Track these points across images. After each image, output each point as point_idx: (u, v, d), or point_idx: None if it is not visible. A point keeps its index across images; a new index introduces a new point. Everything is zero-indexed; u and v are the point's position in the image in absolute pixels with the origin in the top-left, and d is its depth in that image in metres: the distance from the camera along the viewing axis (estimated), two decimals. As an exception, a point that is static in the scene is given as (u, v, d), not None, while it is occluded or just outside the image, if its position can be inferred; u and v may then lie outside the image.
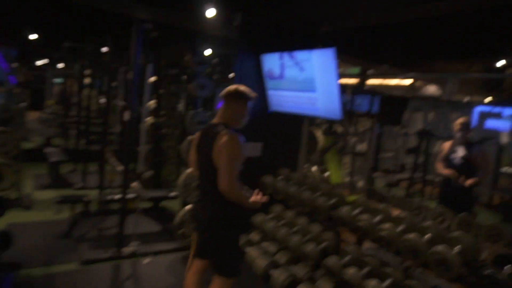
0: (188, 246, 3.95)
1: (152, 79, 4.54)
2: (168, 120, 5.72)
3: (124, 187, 3.55)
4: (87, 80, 7.13)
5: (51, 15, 4.89)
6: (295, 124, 4.39)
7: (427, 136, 6.50)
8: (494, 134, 5.97)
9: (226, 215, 2.30)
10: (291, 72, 3.52)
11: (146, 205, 4.85)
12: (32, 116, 12.73)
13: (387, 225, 2.56)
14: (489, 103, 8.17)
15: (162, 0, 3.29)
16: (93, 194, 4.87)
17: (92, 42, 5.33)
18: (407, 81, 12.50)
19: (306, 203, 3.34)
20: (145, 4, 3.24)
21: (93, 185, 5.61)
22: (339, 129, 6.26)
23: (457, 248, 2.21)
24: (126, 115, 3.15)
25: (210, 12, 3.32)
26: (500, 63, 7.54)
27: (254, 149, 4.06)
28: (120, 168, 3.70)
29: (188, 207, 3.84)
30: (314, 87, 3.28)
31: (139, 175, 3.67)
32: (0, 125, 4.82)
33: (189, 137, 3.78)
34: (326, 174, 6.03)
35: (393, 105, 3.46)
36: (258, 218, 3.74)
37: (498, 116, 6.42)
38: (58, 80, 14.20)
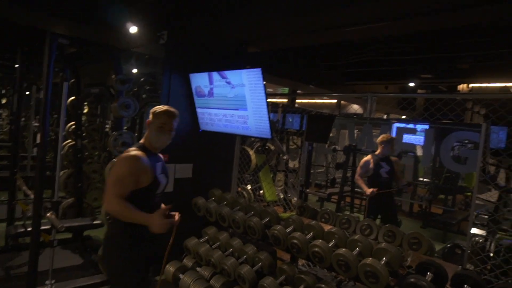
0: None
1: (70, 99, 4.19)
2: (90, 143, 5.32)
3: (37, 218, 3.15)
4: (3, 100, 6.40)
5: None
6: (226, 144, 4.34)
7: (353, 151, 6.89)
8: (411, 147, 6.51)
9: (115, 234, 2.24)
10: (220, 90, 3.49)
11: (66, 236, 4.38)
12: None
13: (319, 242, 2.58)
14: (405, 120, 8.98)
15: (80, 14, 3.07)
16: (1, 227, 4.28)
17: (1, 58, 4.79)
18: (334, 101, 13.32)
19: (240, 223, 3.27)
20: (61, 18, 2.99)
21: (1, 217, 4.95)
22: (271, 147, 6.36)
23: (384, 260, 2.29)
24: (39, 138, 2.82)
25: (132, 29, 3.17)
26: (412, 84, 8.39)
27: (184, 170, 3.92)
28: (32, 196, 3.30)
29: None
30: (245, 104, 3.28)
31: (56, 203, 3.30)
32: None
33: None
34: (260, 192, 6.04)
35: (319, 123, 3.58)
36: (191, 242, 3.57)
37: (413, 131, 7.04)
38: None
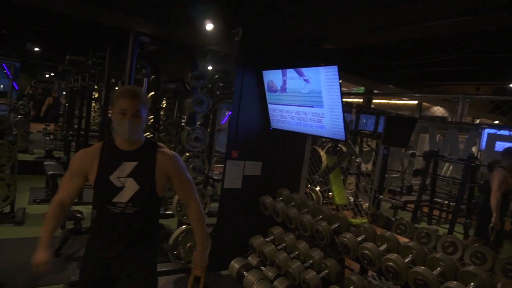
0: (181, 269, 3.76)
1: (150, 94, 4.44)
2: (166, 136, 5.59)
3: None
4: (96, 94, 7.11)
5: (54, 28, 4.86)
6: (297, 143, 4.23)
7: (435, 157, 6.30)
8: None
9: None
10: (294, 86, 3.39)
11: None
12: (36, 127, 12.74)
13: (394, 256, 2.36)
14: (498, 126, 7.98)
15: (161, 14, 3.20)
16: (88, 210, 4.70)
17: (93, 56, 5.28)
18: (413, 102, 12.37)
19: (307, 227, 3.15)
20: (143, 17, 3.15)
21: (90, 200, 5.45)
22: (343, 148, 6.09)
23: (471, 285, 2.00)
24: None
25: (209, 27, 3.22)
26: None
27: (253, 167, 3.90)
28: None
29: (183, 227, 3.66)
30: (320, 101, 3.13)
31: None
32: (-4, 137, 4.71)
33: (187, 154, 3.62)
34: (329, 194, 5.82)
35: (399, 125, 3.30)
36: (257, 241, 3.54)
37: (508, 138, 6.22)
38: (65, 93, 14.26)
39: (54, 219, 1.78)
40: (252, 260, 3.56)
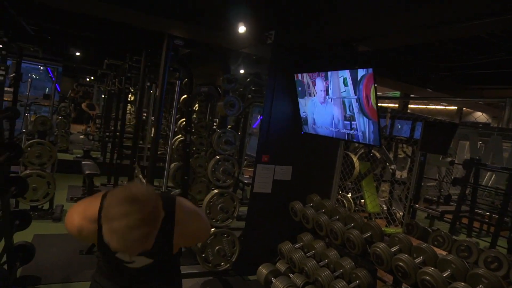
0: (209, 272, 3.76)
1: (183, 97, 4.51)
2: (198, 139, 5.65)
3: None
4: (131, 97, 7.37)
5: (94, 33, 5.06)
6: (328, 148, 4.13)
7: (476, 166, 5.96)
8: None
9: None
10: (327, 88, 3.31)
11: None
12: (76, 128, 13.36)
13: (431, 269, 2.22)
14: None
15: (194, 17, 3.23)
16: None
17: (129, 60, 5.45)
18: (453, 107, 11.82)
19: (338, 234, 3.05)
20: (177, 20, 3.20)
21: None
22: (377, 154, 5.90)
23: (519, 306, 1.84)
24: (153, 132, 3.07)
25: (241, 29, 3.21)
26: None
27: (284, 172, 3.84)
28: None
29: (212, 230, 3.66)
30: (355, 106, 3.04)
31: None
32: (39, 137, 4.95)
33: (217, 157, 3.63)
34: (361, 201, 5.65)
35: (438, 131, 3.13)
36: (285, 247, 3.48)
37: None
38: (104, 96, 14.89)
39: None
40: (280, 266, 3.50)
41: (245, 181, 6.20)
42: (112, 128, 7.70)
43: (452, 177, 7.40)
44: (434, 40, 4.58)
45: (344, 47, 3.71)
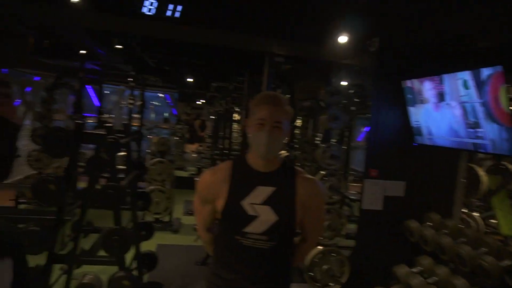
0: (317, 292, 3.62)
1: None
2: (302, 154, 5.62)
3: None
4: (236, 116, 7.84)
5: (203, 60, 5.54)
6: (447, 160, 3.67)
7: None
8: None
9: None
10: (443, 93, 2.97)
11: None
12: (189, 148, 14.70)
13: None
14: None
15: (293, 33, 3.26)
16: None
17: (233, 81, 5.79)
18: None
19: (466, 260, 2.64)
20: (277, 38, 3.27)
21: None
22: (510, 166, 5.03)
23: None
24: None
25: (342, 39, 3.11)
26: None
27: (395, 187, 3.54)
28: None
29: (320, 248, 3.55)
30: (479, 110, 2.65)
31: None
32: (159, 156, 5.55)
33: (321, 172, 3.54)
34: (491, 221, 4.84)
35: None
36: (401, 270, 3.16)
37: None
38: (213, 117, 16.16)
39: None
40: (396, 291, 3.18)
41: (352, 197, 5.91)
42: (221, 146, 8.22)
43: None
44: None
45: (461, 45, 3.30)
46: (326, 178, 3.55)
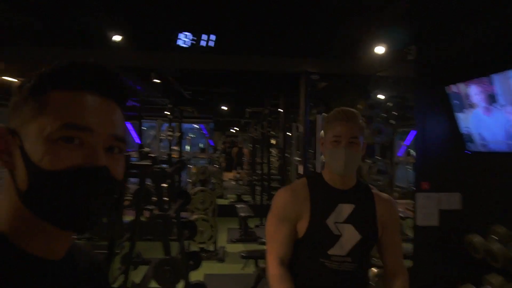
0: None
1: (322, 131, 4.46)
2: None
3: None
4: (273, 141, 7.87)
5: (236, 87, 5.64)
6: (507, 166, 3.40)
7: None
8: None
9: None
10: (496, 95, 2.79)
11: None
12: (227, 176, 14.79)
13: None
14: None
15: (328, 50, 3.24)
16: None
17: (268, 105, 5.82)
18: None
19: (545, 275, 2.37)
20: (312, 57, 3.26)
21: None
22: None
23: None
24: (300, 169, 3.08)
25: (379, 50, 3.05)
26: None
27: (451, 200, 3.31)
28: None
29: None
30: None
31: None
32: (199, 185, 5.60)
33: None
34: None
35: None
36: (468, 290, 2.90)
37: None
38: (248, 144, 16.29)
39: (287, 282, 1.37)
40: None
41: (400, 215, 5.62)
42: (259, 172, 8.20)
43: None
44: None
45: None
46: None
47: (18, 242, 0.52)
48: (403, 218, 5.80)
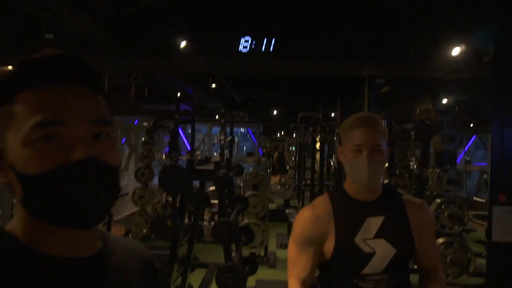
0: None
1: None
2: (400, 181, 5.20)
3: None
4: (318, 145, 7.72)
5: (289, 91, 5.59)
6: None
7: None
8: None
9: None
10: None
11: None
12: (273, 180, 14.73)
13: None
14: None
15: (397, 54, 3.09)
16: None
17: (322, 109, 5.70)
18: None
19: None
20: (376, 61, 3.13)
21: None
22: None
23: None
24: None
25: (455, 51, 2.85)
26: None
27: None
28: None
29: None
30: None
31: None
32: (252, 189, 5.59)
33: (437, 200, 3.18)
34: None
35: None
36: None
37: None
38: (293, 148, 16.16)
39: None
40: None
41: (468, 227, 5.25)
42: (308, 176, 8.06)
43: None
44: None
45: None
46: (444, 206, 3.17)
47: (36, 247, 0.54)
48: (467, 231, 5.42)
